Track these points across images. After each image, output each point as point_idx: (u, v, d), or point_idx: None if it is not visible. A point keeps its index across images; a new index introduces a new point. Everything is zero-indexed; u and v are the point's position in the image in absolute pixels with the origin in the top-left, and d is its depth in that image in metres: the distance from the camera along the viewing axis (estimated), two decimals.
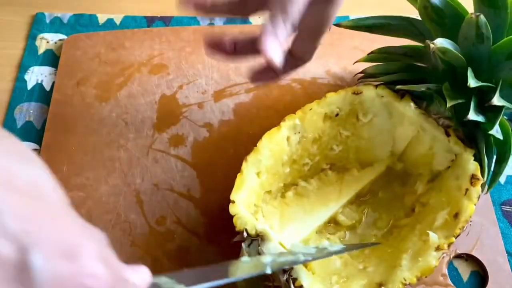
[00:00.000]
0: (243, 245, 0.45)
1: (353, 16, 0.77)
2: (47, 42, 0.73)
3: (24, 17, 0.76)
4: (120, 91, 0.67)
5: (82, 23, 0.75)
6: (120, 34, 0.73)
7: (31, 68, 0.70)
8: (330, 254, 0.45)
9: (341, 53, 0.72)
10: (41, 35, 0.73)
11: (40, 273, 0.20)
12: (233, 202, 0.46)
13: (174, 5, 0.79)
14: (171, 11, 0.77)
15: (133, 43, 0.72)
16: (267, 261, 0.41)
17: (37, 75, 0.69)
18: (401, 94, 0.53)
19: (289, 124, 0.52)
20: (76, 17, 0.75)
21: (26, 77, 0.69)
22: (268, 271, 0.39)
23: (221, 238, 0.56)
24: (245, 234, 0.45)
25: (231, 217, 0.56)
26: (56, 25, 0.75)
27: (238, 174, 0.48)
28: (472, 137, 0.51)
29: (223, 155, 0.62)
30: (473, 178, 0.48)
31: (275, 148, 0.51)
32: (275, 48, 0.42)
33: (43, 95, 0.67)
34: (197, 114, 0.66)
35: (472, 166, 0.48)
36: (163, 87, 0.68)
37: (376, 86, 0.54)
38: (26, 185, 0.21)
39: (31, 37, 0.73)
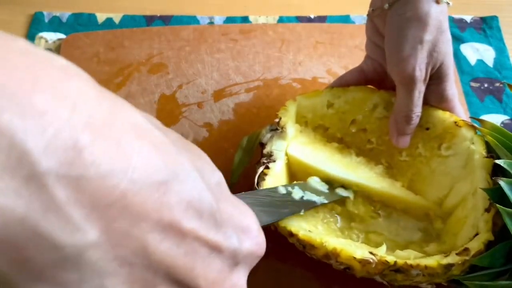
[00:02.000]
0: (264, 130, 0.54)
1: (354, 15, 0.77)
2: (46, 41, 0.72)
3: (23, 16, 0.75)
4: (119, 91, 0.67)
5: (81, 22, 0.75)
6: (119, 33, 0.72)
7: None
8: (339, 197, 0.51)
9: (342, 53, 0.71)
10: (40, 34, 0.73)
11: (240, 251, 0.27)
12: (295, 100, 0.56)
13: (173, 4, 0.79)
14: (170, 10, 0.77)
15: (132, 43, 0.71)
16: (297, 197, 0.48)
17: None
18: (490, 156, 0.49)
19: (332, 92, 0.55)
20: (75, 16, 0.75)
21: None
22: (302, 212, 0.47)
23: None
24: (276, 120, 0.53)
25: None
26: (55, 24, 0.74)
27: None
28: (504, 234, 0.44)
29: (223, 155, 0.61)
30: None
31: (314, 106, 0.55)
32: (406, 141, 0.53)
33: None
34: (196, 114, 0.65)
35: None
36: (162, 87, 0.67)
37: (477, 131, 0.51)
38: (215, 183, 0.28)
39: (29, 37, 0.72)
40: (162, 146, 0.24)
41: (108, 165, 0.21)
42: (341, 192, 0.52)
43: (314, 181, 0.52)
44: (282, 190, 0.48)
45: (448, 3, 0.50)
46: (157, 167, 0.23)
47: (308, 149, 0.54)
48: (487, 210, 0.45)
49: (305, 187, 0.50)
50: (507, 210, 0.42)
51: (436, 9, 0.49)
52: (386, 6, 0.51)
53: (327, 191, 0.51)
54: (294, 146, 0.53)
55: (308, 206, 0.48)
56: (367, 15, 0.55)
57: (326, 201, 0.50)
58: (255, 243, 0.29)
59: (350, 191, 0.52)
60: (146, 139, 0.23)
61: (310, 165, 0.52)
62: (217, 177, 0.28)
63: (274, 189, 0.48)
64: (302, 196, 0.49)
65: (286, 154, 0.53)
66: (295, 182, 0.51)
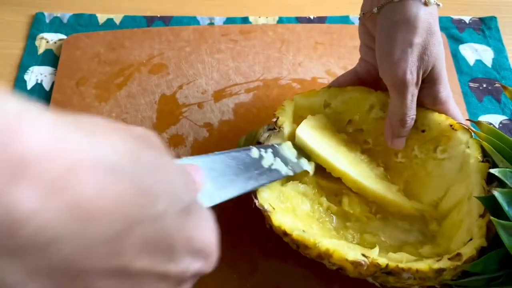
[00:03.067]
0: (262, 129, 0.54)
1: (353, 16, 0.77)
2: (47, 42, 0.73)
3: (24, 17, 0.75)
4: (119, 91, 0.67)
5: (82, 23, 0.75)
6: (120, 34, 0.72)
7: (30, 68, 0.70)
8: (301, 169, 0.52)
9: (341, 53, 0.72)
10: (41, 35, 0.73)
11: (188, 272, 0.28)
12: (292, 100, 0.56)
13: (174, 5, 0.80)
14: (170, 11, 0.77)
15: (133, 43, 0.72)
16: (266, 165, 0.49)
17: (37, 75, 0.69)
18: (485, 160, 0.49)
19: (329, 92, 0.56)
20: (76, 17, 0.75)
21: (26, 77, 0.69)
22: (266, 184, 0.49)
23: (221, 238, 0.55)
24: (274, 119, 0.54)
25: (231, 217, 0.56)
26: (56, 25, 0.75)
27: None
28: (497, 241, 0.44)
29: None
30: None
31: (311, 105, 0.55)
32: (402, 143, 0.53)
33: (43, 95, 0.67)
34: (197, 114, 0.66)
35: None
36: (162, 87, 0.68)
37: (472, 135, 0.51)
38: (185, 205, 0.27)
39: (30, 37, 0.73)
40: (129, 188, 0.22)
41: (55, 231, 0.19)
42: (304, 164, 0.53)
43: (287, 146, 0.52)
44: (255, 154, 0.49)
45: (438, 5, 0.50)
46: (114, 219, 0.22)
47: (317, 134, 0.54)
48: (481, 216, 0.45)
49: (277, 153, 0.51)
50: (500, 222, 0.42)
51: (425, 11, 0.48)
52: (375, 10, 0.51)
53: (295, 160, 0.52)
54: (304, 128, 0.53)
55: (274, 178, 0.49)
56: (359, 18, 0.55)
57: (291, 173, 0.50)
58: (206, 263, 0.29)
59: (312, 164, 0.53)
60: (111, 189, 0.21)
61: (315, 150, 0.52)
62: (190, 196, 0.27)
63: (248, 150, 0.48)
64: (271, 164, 0.49)
65: (294, 134, 0.53)
66: (270, 143, 0.52)
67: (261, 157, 0.49)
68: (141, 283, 0.25)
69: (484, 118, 0.67)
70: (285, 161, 0.51)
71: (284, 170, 0.50)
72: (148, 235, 0.24)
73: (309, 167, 0.53)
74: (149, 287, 0.25)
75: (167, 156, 0.27)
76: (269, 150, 0.50)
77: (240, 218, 0.56)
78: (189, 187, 0.28)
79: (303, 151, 0.53)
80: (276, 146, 0.52)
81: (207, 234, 0.29)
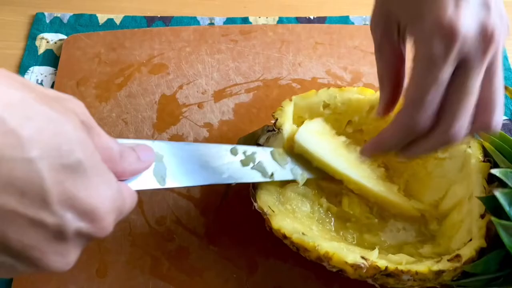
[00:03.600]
0: (261, 131, 0.54)
1: (353, 16, 0.77)
2: (47, 42, 0.73)
3: (24, 17, 0.76)
4: (120, 91, 0.67)
5: (82, 23, 0.75)
6: (120, 34, 0.73)
7: (31, 68, 0.70)
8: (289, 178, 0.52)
9: (341, 53, 0.72)
10: (41, 35, 0.73)
11: (68, 228, 0.29)
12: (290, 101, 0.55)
13: (174, 5, 0.80)
14: (171, 11, 0.77)
15: (133, 43, 0.72)
16: (249, 166, 0.49)
17: (37, 75, 0.69)
18: (486, 160, 0.49)
19: (328, 93, 0.55)
20: (76, 17, 0.75)
21: (26, 77, 0.69)
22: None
23: (220, 238, 0.56)
24: (272, 121, 0.53)
25: (231, 216, 0.56)
26: (56, 25, 0.75)
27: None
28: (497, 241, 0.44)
29: None
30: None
31: (310, 106, 0.55)
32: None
33: None
34: (197, 114, 0.66)
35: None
36: (163, 87, 0.68)
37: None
38: (71, 163, 0.29)
39: (31, 37, 0.73)
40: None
41: None
42: (295, 171, 0.52)
43: (282, 156, 0.52)
44: (230, 152, 0.49)
45: None
46: None
47: (316, 138, 0.53)
48: (482, 216, 0.45)
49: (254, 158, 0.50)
50: (501, 222, 0.42)
51: None
52: None
53: (290, 170, 0.51)
54: (302, 133, 0.53)
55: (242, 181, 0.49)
56: None
57: (268, 180, 0.50)
58: (94, 226, 0.30)
59: (304, 175, 0.52)
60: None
61: (315, 154, 0.52)
62: (78, 157, 0.29)
63: (226, 147, 0.49)
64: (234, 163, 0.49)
65: (293, 139, 0.53)
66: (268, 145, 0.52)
67: (234, 156, 0.49)
68: (9, 222, 0.27)
69: None
70: (263, 168, 0.50)
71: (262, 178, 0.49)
72: (14, 175, 0.26)
73: (300, 176, 0.52)
74: (21, 230, 0.27)
75: (71, 120, 0.29)
76: (246, 150, 0.50)
77: (240, 218, 0.56)
78: (84, 150, 0.29)
79: (301, 157, 0.53)
80: (256, 150, 0.51)
81: (95, 197, 0.30)
